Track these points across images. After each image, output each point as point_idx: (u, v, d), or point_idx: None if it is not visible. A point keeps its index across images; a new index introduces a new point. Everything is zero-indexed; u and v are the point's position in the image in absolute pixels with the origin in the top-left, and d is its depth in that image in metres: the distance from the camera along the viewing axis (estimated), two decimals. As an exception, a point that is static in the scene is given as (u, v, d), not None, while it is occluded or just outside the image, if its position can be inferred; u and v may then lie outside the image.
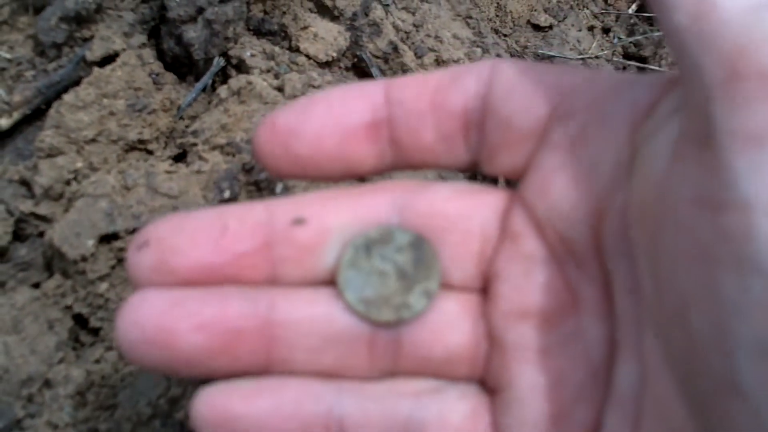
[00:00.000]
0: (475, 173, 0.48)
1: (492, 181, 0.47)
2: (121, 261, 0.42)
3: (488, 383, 0.25)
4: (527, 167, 0.25)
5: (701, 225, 0.18)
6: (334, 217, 0.25)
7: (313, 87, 0.47)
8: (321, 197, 0.26)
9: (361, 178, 0.26)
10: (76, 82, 0.46)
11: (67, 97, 0.45)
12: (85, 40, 0.48)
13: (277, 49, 0.50)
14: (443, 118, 0.25)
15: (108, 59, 0.47)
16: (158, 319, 0.23)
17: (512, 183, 0.26)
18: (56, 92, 0.46)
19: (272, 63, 0.49)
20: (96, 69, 0.46)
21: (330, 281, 0.25)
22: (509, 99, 0.24)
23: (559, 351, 0.24)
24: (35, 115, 0.47)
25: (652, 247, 0.20)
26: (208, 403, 0.24)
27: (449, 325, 0.25)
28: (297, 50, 0.50)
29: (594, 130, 0.23)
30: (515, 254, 0.25)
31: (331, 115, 0.25)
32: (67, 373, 0.40)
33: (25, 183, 0.44)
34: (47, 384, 0.40)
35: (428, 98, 0.25)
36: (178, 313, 0.23)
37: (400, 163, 0.26)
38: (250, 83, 0.46)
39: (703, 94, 0.18)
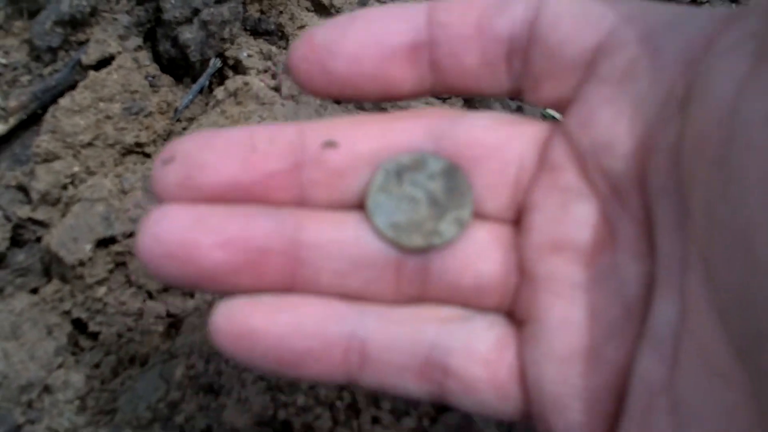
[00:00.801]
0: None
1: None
2: (119, 265, 0.42)
3: (517, 315, 0.25)
4: (573, 99, 0.24)
5: None
6: (366, 142, 0.25)
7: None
8: (354, 121, 0.25)
9: (397, 100, 0.26)
10: (72, 86, 0.46)
11: (63, 102, 0.45)
12: (81, 43, 0.48)
13: (274, 49, 0.49)
14: (487, 44, 0.24)
15: (104, 62, 0.47)
16: (181, 235, 0.22)
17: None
18: (52, 97, 0.46)
19: (269, 63, 0.49)
20: (92, 72, 0.46)
21: (359, 207, 0.25)
22: (557, 27, 0.23)
23: (591, 287, 0.23)
24: (31, 120, 0.47)
25: (712, 178, 0.19)
26: (228, 315, 0.23)
27: (479, 253, 0.25)
28: (294, 50, 0.50)
29: (645, 63, 0.22)
30: (553, 186, 0.24)
31: (371, 35, 0.24)
32: (67, 378, 0.40)
33: (22, 188, 0.44)
34: (47, 389, 0.40)
35: (473, 22, 0.24)
36: (202, 228, 0.23)
37: (438, 87, 0.25)
38: (246, 84, 0.46)
39: None
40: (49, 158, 0.44)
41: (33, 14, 0.47)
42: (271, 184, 0.24)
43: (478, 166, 0.25)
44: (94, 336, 0.42)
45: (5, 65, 0.47)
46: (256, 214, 0.23)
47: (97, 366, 0.41)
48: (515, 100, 0.25)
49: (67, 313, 0.42)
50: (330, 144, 0.24)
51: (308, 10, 0.52)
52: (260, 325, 0.23)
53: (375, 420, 0.38)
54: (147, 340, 0.41)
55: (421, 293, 0.25)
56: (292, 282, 0.24)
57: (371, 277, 0.24)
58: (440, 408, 0.38)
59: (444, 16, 0.25)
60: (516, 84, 0.25)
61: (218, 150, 0.24)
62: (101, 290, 0.41)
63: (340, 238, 0.24)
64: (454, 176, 0.24)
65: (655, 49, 0.22)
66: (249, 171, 0.24)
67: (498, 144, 0.25)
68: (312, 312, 0.24)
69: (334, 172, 0.24)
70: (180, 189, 0.23)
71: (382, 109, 0.46)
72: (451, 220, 0.24)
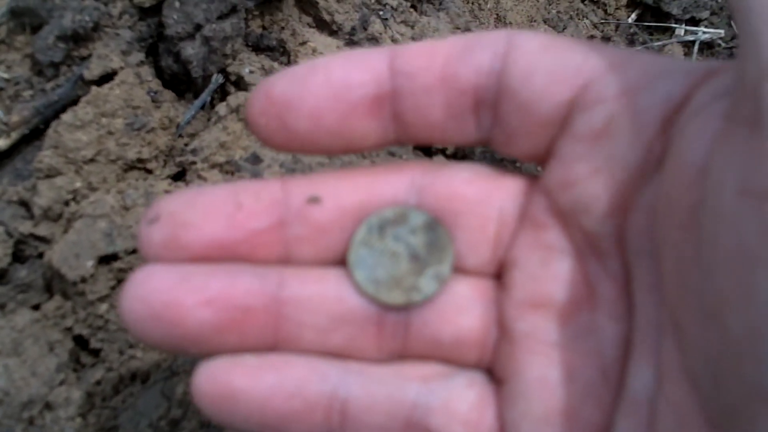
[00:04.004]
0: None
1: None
2: (120, 282, 0.42)
3: (496, 372, 0.25)
4: (548, 155, 0.23)
5: (744, 216, 0.16)
6: (350, 197, 0.25)
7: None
8: (338, 176, 0.25)
9: (361, 152, 0.25)
10: (75, 102, 0.46)
11: (66, 117, 0.45)
12: (83, 58, 0.48)
13: (275, 64, 0.50)
14: (452, 95, 0.23)
15: (106, 78, 0.47)
16: (164, 295, 0.22)
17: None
18: (54, 112, 0.46)
19: (271, 79, 0.49)
20: (94, 88, 0.46)
21: (344, 262, 0.25)
22: (528, 81, 0.22)
23: (569, 345, 0.23)
24: (34, 135, 0.47)
25: (682, 243, 0.19)
26: (209, 376, 0.23)
27: (459, 308, 0.25)
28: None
29: (622, 122, 0.21)
30: (534, 243, 0.24)
31: (331, 88, 0.23)
32: (68, 395, 0.40)
33: (24, 204, 0.44)
34: (48, 406, 0.40)
35: (437, 72, 0.23)
36: (185, 288, 0.23)
37: (403, 138, 0.25)
38: (248, 100, 0.46)
39: (758, 71, 0.16)
40: (52, 174, 0.44)
41: (35, 29, 0.47)
42: (255, 242, 0.24)
43: (459, 220, 0.25)
44: (96, 353, 0.42)
45: (7, 80, 0.47)
46: (238, 271, 0.24)
47: (98, 383, 0.41)
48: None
49: (69, 329, 0.42)
50: (314, 200, 0.24)
51: (309, 26, 0.52)
52: (242, 387, 0.23)
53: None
54: (148, 357, 0.41)
55: (403, 348, 0.25)
56: (275, 339, 0.24)
57: (353, 333, 0.24)
58: None
59: (406, 64, 0.24)
60: (485, 135, 0.24)
61: (203, 209, 0.24)
62: (103, 307, 0.41)
63: (321, 294, 0.24)
64: (435, 231, 0.25)
65: (633, 107, 0.21)
66: (234, 229, 0.24)
67: (478, 198, 0.25)
68: (293, 372, 0.24)
69: (318, 228, 0.24)
70: (166, 249, 0.23)
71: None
72: (431, 276, 0.24)
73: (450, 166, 0.26)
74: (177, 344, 0.23)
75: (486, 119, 0.24)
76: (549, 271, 0.23)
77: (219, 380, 0.23)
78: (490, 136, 0.25)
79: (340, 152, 0.25)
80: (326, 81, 0.23)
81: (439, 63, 0.23)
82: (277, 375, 0.24)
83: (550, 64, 0.22)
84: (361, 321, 0.24)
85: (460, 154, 0.49)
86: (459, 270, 0.25)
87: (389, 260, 0.25)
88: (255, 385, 0.23)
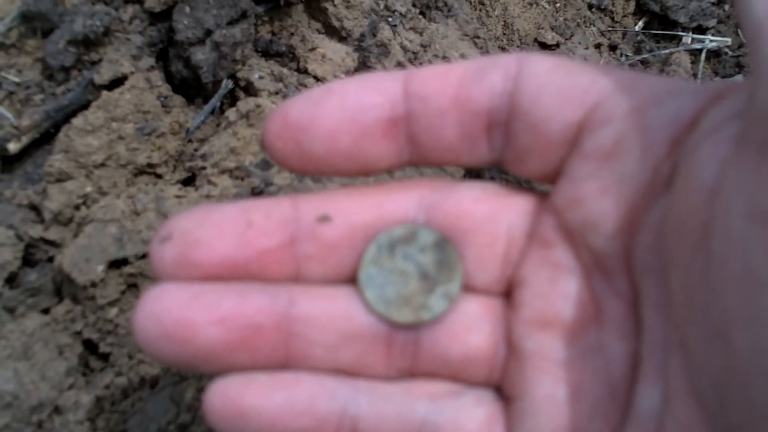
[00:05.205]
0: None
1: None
2: (130, 286, 0.42)
3: (505, 390, 0.25)
4: (558, 174, 0.24)
5: (752, 240, 0.17)
6: (360, 215, 0.25)
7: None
8: (348, 194, 0.25)
9: (375, 174, 0.26)
10: (85, 106, 0.46)
11: (76, 121, 0.45)
12: (94, 63, 0.48)
13: (285, 70, 0.50)
14: (466, 117, 0.24)
15: (116, 82, 0.47)
16: (177, 313, 0.23)
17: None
18: (65, 116, 0.46)
19: (280, 85, 0.49)
20: (104, 92, 0.46)
21: (353, 280, 0.25)
22: (539, 101, 0.23)
23: (578, 364, 0.23)
24: (44, 139, 0.47)
25: (691, 262, 0.19)
26: (221, 394, 0.24)
27: (469, 326, 0.25)
28: (305, 71, 0.50)
29: (632, 141, 0.22)
30: (542, 261, 0.24)
31: (346, 111, 0.24)
32: (77, 399, 0.40)
33: (34, 208, 0.44)
34: (57, 410, 0.40)
35: (450, 94, 0.24)
36: (197, 306, 0.23)
37: (417, 160, 0.25)
38: (258, 106, 0.46)
39: None
40: (62, 178, 0.44)
41: (46, 33, 0.48)
42: (266, 260, 0.24)
43: (468, 239, 0.25)
44: (105, 357, 0.42)
45: (18, 84, 0.47)
46: (249, 290, 0.24)
47: (107, 387, 0.41)
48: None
49: (79, 333, 0.42)
50: (324, 218, 0.25)
51: (319, 32, 0.53)
52: (254, 405, 0.23)
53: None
54: (157, 363, 0.41)
55: (412, 366, 0.25)
56: (285, 357, 0.24)
57: (363, 351, 0.25)
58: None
59: (420, 87, 0.24)
60: (497, 156, 0.25)
61: (214, 227, 0.24)
62: (113, 311, 0.42)
63: (331, 312, 0.24)
64: (444, 249, 0.25)
65: (642, 127, 0.21)
66: (244, 248, 0.24)
67: (487, 216, 0.25)
68: (304, 390, 0.24)
69: (328, 247, 0.25)
70: (177, 267, 0.24)
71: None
72: (441, 295, 0.25)
73: (459, 184, 0.26)
74: (189, 362, 0.23)
75: (498, 140, 0.24)
76: (557, 289, 0.24)
77: (230, 398, 0.24)
78: (501, 156, 0.25)
79: (354, 174, 0.25)
80: (341, 104, 0.24)
81: (453, 85, 0.24)
82: (287, 393, 0.24)
83: (560, 85, 0.23)
84: (370, 339, 0.25)
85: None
86: (468, 288, 0.25)
87: (399, 279, 0.25)
88: (266, 402, 0.24)
